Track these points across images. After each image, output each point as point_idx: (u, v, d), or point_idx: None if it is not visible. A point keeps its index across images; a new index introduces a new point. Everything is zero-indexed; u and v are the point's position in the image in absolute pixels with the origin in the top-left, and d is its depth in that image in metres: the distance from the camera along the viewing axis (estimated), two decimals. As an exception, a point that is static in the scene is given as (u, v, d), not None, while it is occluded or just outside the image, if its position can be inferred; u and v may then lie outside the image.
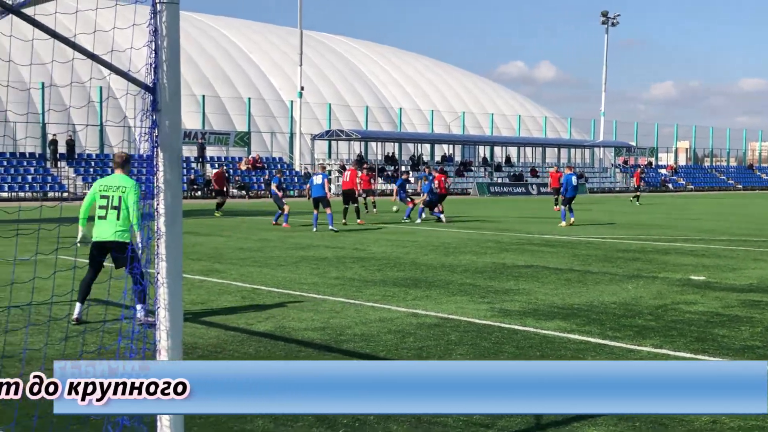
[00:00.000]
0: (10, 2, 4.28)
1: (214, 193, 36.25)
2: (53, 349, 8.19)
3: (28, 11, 4.11)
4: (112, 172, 10.11)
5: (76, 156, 53.81)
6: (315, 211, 25.07)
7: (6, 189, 48.97)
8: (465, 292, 12.52)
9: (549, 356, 8.34)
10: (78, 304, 9.80)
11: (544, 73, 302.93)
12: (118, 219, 9.68)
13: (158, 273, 4.38)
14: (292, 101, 65.97)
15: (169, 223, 4.41)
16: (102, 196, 9.78)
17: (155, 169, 4.38)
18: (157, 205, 4.39)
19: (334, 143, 67.59)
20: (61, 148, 52.83)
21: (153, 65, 4.28)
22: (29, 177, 50.75)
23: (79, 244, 9.78)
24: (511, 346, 8.83)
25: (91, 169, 53.48)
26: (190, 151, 58.73)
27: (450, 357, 8.27)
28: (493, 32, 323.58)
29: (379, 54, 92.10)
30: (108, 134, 57.56)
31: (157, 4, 4.22)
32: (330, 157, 66.80)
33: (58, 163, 52.44)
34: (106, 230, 9.69)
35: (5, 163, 50.82)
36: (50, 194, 50.24)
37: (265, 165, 60.85)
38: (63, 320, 9.43)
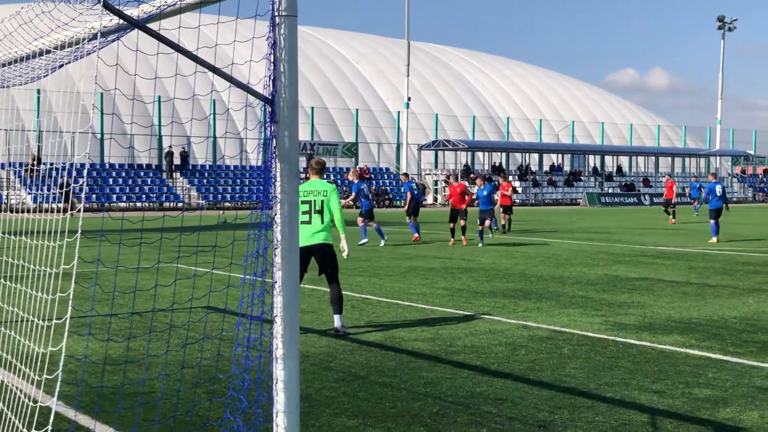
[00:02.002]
0: (137, 17, 4.42)
1: None
2: (172, 355, 8.42)
3: (153, 26, 4.24)
4: (308, 178, 10.27)
5: (190, 167, 55.52)
6: (373, 224, 23.75)
7: (124, 199, 50.95)
8: (577, 305, 12.25)
9: (667, 371, 8.05)
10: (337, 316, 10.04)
11: (657, 80, 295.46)
12: (322, 223, 9.82)
13: (275, 282, 4.43)
14: (399, 112, 66.38)
15: (286, 232, 4.46)
16: (303, 202, 9.76)
17: (273, 179, 4.43)
18: (275, 214, 4.44)
19: (440, 153, 67.59)
20: (176, 160, 54.58)
21: (272, 78, 4.33)
22: (146, 187, 52.66)
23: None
24: (627, 360, 8.56)
25: (205, 180, 55.14)
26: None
27: (563, 371, 8.08)
28: (602, 39, 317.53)
29: (485, 63, 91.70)
30: (220, 146, 59.14)
31: (276, 17, 4.28)
32: (436, 167, 66.80)
33: (174, 174, 54.22)
34: (311, 235, 9.76)
35: (123, 174, 52.89)
36: (165, 204, 52.01)
37: (372, 175, 61.36)
38: (181, 328, 9.68)
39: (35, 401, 4.66)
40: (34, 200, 42.20)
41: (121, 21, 4.60)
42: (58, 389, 3.74)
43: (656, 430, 6.27)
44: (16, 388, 5.39)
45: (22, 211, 5.68)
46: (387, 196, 59.53)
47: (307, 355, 8.67)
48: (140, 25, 4.15)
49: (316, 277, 10.60)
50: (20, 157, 50.67)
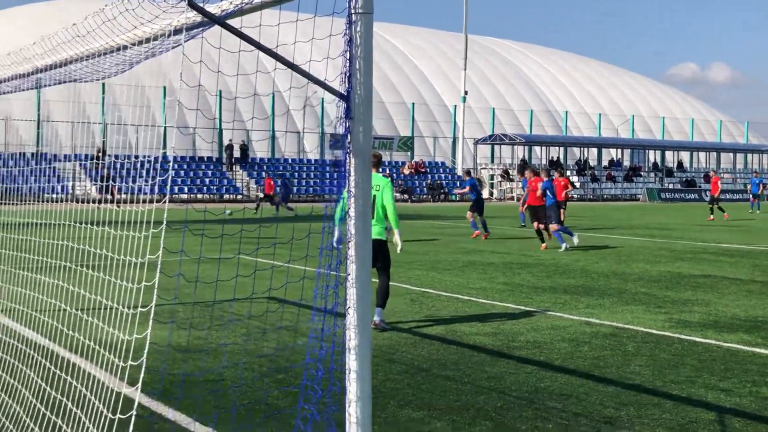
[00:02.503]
0: (217, 14, 4.53)
1: (263, 198, 36.89)
2: (241, 345, 8.60)
3: (234, 23, 4.34)
4: (268, 173, 10.33)
5: (249, 160, 56.17)
6: None
7: (185, 191, 51.76)
8: (640, 302, 12.14)
9: (734, 370, 7.96)
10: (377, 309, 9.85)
11: (718, 74, 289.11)
12: (373, 217, 9.63)
13: (348, 275, 4.51)
14: (455, 106, 66.22)
15: (359, 226, 4.53)
16: None
17: (347, 174, 4.51)
18: (349, 208, 4.52)
19: (497, 148, 67.22)
20: (236, 153, 55.25)
21: (347, 74, 4.40)
22: (206, 180, 53.42)
23: (335, 245, 9.76)
24: (692, 358, 8.49)
25: (263, 173, 55.73)
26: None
27: (628, 368, 8.05)
28: (662, 33, 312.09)
29: (543, 57, 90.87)
30: (279, 141, 59.67)
31: (353, 15, 4.35)
32: (492, 161, 66.49)
33: (233, 167, 54.91)
34: None
35: (185, 166, 53.73)
36: (225, 196, 52.71)
37: (428, 169, 61.38)
38: (254, 318, 9.86)
39: (118, 388, 4.82)
40: (99, 191, 43.16)
41: (202, 19, 4.73)
42: (142, 376, 3.87)
43: (724, 428, 6.23)
44: (100, 374, 5.59)
45: (113, 202, 5.85)
46: (442, 191, 59.49)
47: (371, 347, 8.76)
48: (222, 22, 4.26)
49: (372, 270, 10.66)
50: (85, 149, 51.87)
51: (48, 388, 5.86)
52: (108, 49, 6.38)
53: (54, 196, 37.90)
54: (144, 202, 5.00)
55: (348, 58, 4.40)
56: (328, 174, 57.55)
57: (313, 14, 4.42)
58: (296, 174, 56.90)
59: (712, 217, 35.40)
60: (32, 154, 46.75)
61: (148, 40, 5.31)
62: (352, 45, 4.39)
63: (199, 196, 51.55)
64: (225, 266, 12.52)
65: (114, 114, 54.80)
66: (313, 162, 59.09)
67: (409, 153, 62.79)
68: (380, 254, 9.84)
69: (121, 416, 4.15)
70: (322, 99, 56.73)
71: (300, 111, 54.46)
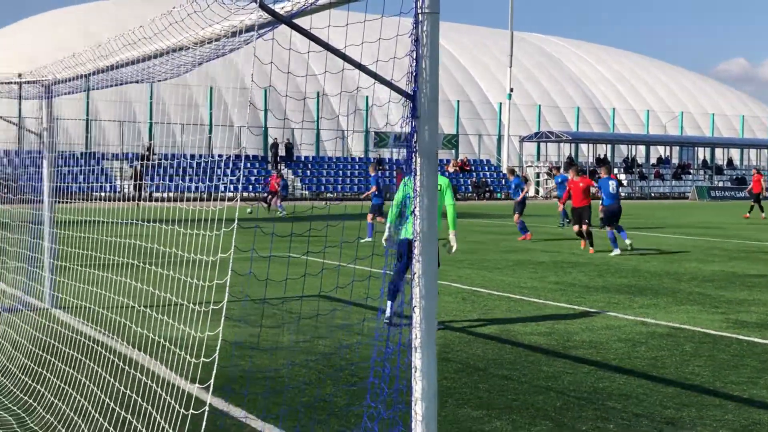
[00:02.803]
0: (283, 13, 4.56)
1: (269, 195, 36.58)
2: (305, 345, 8.67)
3: (303, 25, 4.38)
4: (317, 170, 10.09)
5: (294, 158, 56.50)
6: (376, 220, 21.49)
7: (231, 189, 52.26)
8: (695, 302, 11.99)
9: (796, 373, 7.83)
10: (390, 303, 9.30)
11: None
12: None
13: (414, 273, 4.53)
14: (500, 103, 65.90)
15: (425, 225, 4.56)
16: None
17: (413, 173, 4.53)
18: (414, 207, 4.55)
19: (542, 145, 66.76)
20: (281, 151, 55.63)
21: (413, 74, 4.42)
22: (252, 178, 53.86)
23: (385, 243, 9.56)
24: (752, 359, 8.36)
25: (308, 171, 56.02)
26: (398, 154, 60.15)
27: (687, 368, 7.95)
28: (711, 28, 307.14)
29: (590, 53, 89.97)
30: (322, 137, 59.92)
31: (419, 15, 4.37)
32: (538, 159, 66.07)
33: (278, 165, 55.28)
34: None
35: (231, 164, 54.21)
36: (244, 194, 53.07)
37: (472, 167, 61.17)
38: (311, 317, 9.93)
39: (190, 384, 4.89)
40: (148, 190, 43.72)
41: (268, 18, 4.79)
42: (214, 373, 3.93)
43: (790, 431, 6.13)
44: (169, 371, 5.68)
45: (195, 200, 5.94)
46: (487, 188, 59.25)
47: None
48: (291, 23, 4.30)
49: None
50: (133, 147, 52.60)
51: (118, 385, 5.97)
52: (178, 47, 6.50)
53: (102, 194, 38.52)
54: (217, 200, 5.07)
55: (414, 57, 4.42)
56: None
57: (380, 15, 4.45)
58: (340, 172, 57.10)
59: (748, 215, 34.72)
60: (81, 153, 47.60)
61: (218, 39, 5.38)
62: (419, 45, 4.41)
63: (245, 194, 51.97)
64: (280, 265, 12.61)
65: (161, 114, 55.56)
66: (357, 160, 59.23)
67: (453, 151, 62.63)
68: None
69: (194, 411, 4.21)
70: (366, 98, 56.87)
71: (344, 110, 54.64)
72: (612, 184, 19.30)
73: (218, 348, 4.07)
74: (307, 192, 54.51)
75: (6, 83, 10.32)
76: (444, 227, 9.62)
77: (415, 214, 4.55)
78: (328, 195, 53.82)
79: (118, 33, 6.40)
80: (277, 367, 7.60)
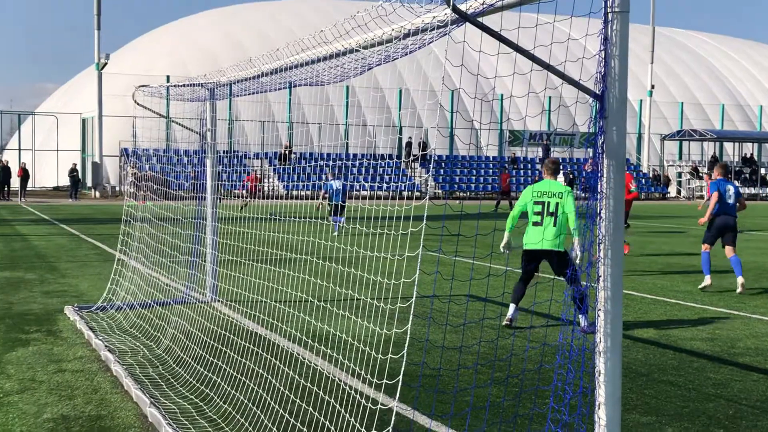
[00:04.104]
0: (466, 10, 4.59)
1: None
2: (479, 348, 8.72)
3: (490, 22, 4.40)
4: (541, 178, 9.89)
5: (428, 157, 56.72)
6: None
7: (366, 188, 52.97)
8: None
9: None
10: (512, 306, 9.56)
11: None
12: (554, 226, 9.28)
13: (599, 277, 4.48)
14: (641, 100, 64.05)
15: (610, 227, 4.49)
16: (536, 203, 9.40)
17: (600, 174, 4.48)
18: (600, 209, 4.49)
19: (684, 144, 64.46)
20: (414, 150, 55.94)
21: (602, 73, 4.37)
22: (386, 177, 54.43)
23: (503, 250, 9.67)
24: None
25: (441, 170, 56.13)
26: (533, 153, 59.46)
27: None
28: None
29: (735, 48, 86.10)
30: (456, 138, 59.90)
31: (609, 14, 4.31)
32: (680, 158, 63.84)
33: (412, 164, 55.63)
34: (541, 238, 9.30)
35: (365, 163, 54.98)
36: (404, 193, 53.49)
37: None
38: (495, 320, 9.96)
39: (379, 381, 4.99)
40: (286, 189, 44.95)
41: (451, 17, 4.83)
42: (403, 369, 4.00)
43: None
44: (352, 365, 5.83)
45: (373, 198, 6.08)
46: (627, 188, 57.74)
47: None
48: (480, 23, 4.33)
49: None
50: (273, 147, 54.13)
51: (294, 375, 6.16)
52: (342, 51, 6.66)
53: (244, 192, 39.76)
54: (408, 198, 5.17)
55: (603, 57, 4.37)
56: (506, 171, 57.28)
57: (569, 15, 4.42)
58: (473, 171, 56.91)
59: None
60: (224, 152, 49.28)
61: (407, 36, 5.47)
62: (608, 44, 4.35)
63: (379, 193, 52.58)
64: (429, 264, 12.69)
65: (298, 113, 56.92)
66: (491, 159, 58.90)
67: (590, 150, 61.20)
68: (562, 265, 9.26)
69: (383, 407, 4.31)
70: (501, 95, 56.45)
71: (478, 108, 54.42)
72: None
73: (406, 345, 4.15)
74: (440, 191, 54.61)
75: (176, 86, 10.82)
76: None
77: (600, 216, 4.49)
78: (461, 194, 53.77)
79: (255, 34, 6.60)
80: (443, 366, 7.66)
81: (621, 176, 4.48)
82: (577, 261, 9.60)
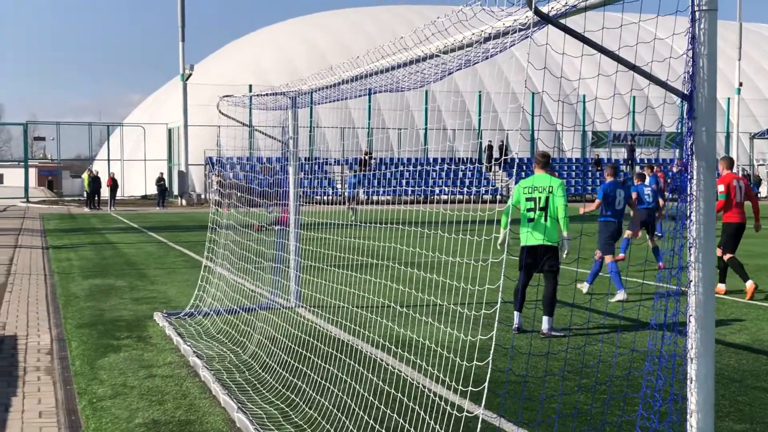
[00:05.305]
0: (547, 12, 4.53)
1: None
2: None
3: (575, 27, 4.33)
4: (533, 172, 9.62)
5: (509, 160, 56.29)
6: None
7: (446, 192, 52.86)
8: None
9: None
10: (516, 314, 9.40)
11: None
12: (545, 221, 9.19)
13: (690, 282, 4.36)
14: (728, 98, 62.27)
15: (701, 230, 4.37)
16: (528, 199, 9.31)
17: (689, 176, 4.37)
18: (690, 212, 4.37)
19: (776, 142, 62.40)
20: (495, 153, 55.60)
21: (690, 73, 4.26)
22: (466, 180, 54.23)
23: (499, 247, 9.27)
24: None
25: (523, 173, 55.62)
26: (617, 154, 58.39)
27: None
28: None
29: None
30: (540, 140, 59.31)
31: (696, 12, 4.20)
32: (771, 157, 61.79)
33: (493, 167, 55.30)
34: (537, 234, 9.20)
35: (445, 167, 54.88)
36: (485, 197, 53.22)
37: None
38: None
39: (465, 388, 4.97)
40: (366, 194, 45.14)
41: (532, 20, 4.78)
42: (488, 376, 3.97)
43: None
44: (436, 371, 5.81)
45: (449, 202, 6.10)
46: (714, 189, 56.13)
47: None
48: (563, 26, 4.27)
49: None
50: (353, 152, 54.51)
51: (378, 381, 6.17)
52: (421, 57, 6.66)
53: (325, 197, 40.22)
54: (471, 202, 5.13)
55: (691, 56, 4.26)
56: (589, 173, 56.45)
57: (654, 14, 4.32)
58: (556, 174, 56.20)
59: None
60: (305, 158, 49.88)
61: (487, 39, 5.44)
62: (696, 43, 4.24)
63: (459, 197, 52.39)
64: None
65: (378, 118, 57.25)
66: (574, 161, 58.10)
67: (677, 150, 59.79)
68: (548, 258, 9.20)
69: (468, 414, 4.28)
70: (584, 96, 55.64)
71: (560, 110, 53.78)
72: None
73: (491, 352, 4.11)
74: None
75: (259, 95, 11.00)
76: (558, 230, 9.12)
77: (691, 219, 4.37)
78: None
79: (332, 42, 6.63)
80: (528, 372, 7.58)
81: (712, 178, 4.36)
82: (564, 255, 9.39)
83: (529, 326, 9.60)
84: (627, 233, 14.14)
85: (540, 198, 9.26)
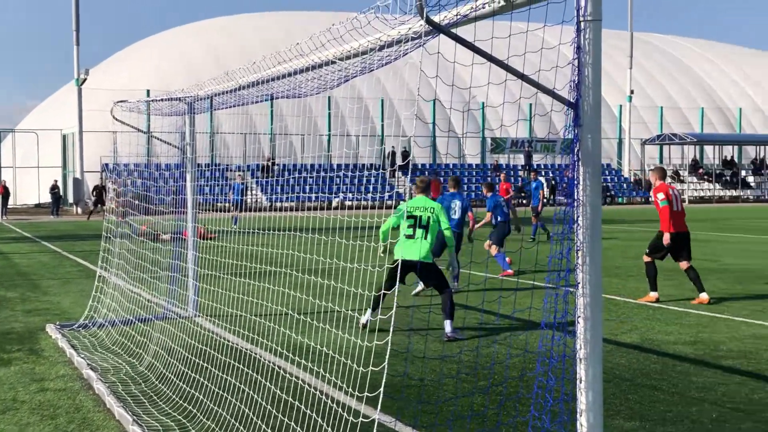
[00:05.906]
0: (440, 22, 4.59)
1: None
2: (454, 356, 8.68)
3: (467, 37, 4.40)
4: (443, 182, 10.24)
5: (411, 166, 56.78)
6: None
7: (349, 197, 52.97)
8: None
9: None
10: (370, 312, 9.14)
11: None
12: (425, 239, 9.48)
13: (578, 284, 4.48)
14: (620, 105, 64.41)
15: (588, 234, 4.50)
16: (409, 216, 9.61)
17: (575, 182, 4.49)
18: (577, 216, 4.50)
19: (665, 148, 64.85)
20: (398, 160, 55.99)
21: (576, 82, 4.39)
22: (369, 186, 54.44)
23: (381, 255, 9.36)
24: None
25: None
26: (516, 159, 59.66)
27: None
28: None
29: (714, 52, 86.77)
30: (439, 146, 60.07)
31: (581, 23, 4.34)
32: (661, 162, 64.18)
33: (395, 173, 55.69)
34: (413, 250, 9.37)
35: (349, 173, 55.00)
36: (387, 202, 53.51)
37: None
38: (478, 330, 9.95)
39: (361, 393, 4.98)
40: (269, 201, 44.81)
41: (425, 29, 4.84)
42: (384, 381, 3.99)
43: None
44: (333, 377, 5.80)
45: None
46: (609, 193, 58.02)
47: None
48: (454, 35, 4.34)
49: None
50: (255, 159, 54.01)
51: (276, 390, 6.13)
52: (328, 61, 6.66)
53: (226, 204, 39.72)
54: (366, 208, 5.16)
55: (576, 65, 4.39)
56: (489, 178, 57.48)
57: (541, 24, 4.44)
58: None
59: None
60: (206, 165, 49.09)
61: (383, 47, 5.47)
62: (581, 52, 4.38)
63: (364, 203, 52.56)
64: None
65: (281, 124, 56.88)
66: (474, 166, 59.05)
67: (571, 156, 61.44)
68: (431, 276, 9.53)
69: (364, 420, 4.29)
70: (482, 103, 56.63)
71: (459, 117, 54.59)
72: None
73: (387, 356, 4.14)
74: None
75: (154, 101, 10.78)
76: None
77: (578, 224, 4.49)
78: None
79: (235, 46, 6.60)
80: (425, 376, 7.65)
81: (597, 183, 4.49)
82: (449, 273, 9.76)
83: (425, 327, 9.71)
84: (490, 246, 14.62)
85: (422, 217, 9.61)
